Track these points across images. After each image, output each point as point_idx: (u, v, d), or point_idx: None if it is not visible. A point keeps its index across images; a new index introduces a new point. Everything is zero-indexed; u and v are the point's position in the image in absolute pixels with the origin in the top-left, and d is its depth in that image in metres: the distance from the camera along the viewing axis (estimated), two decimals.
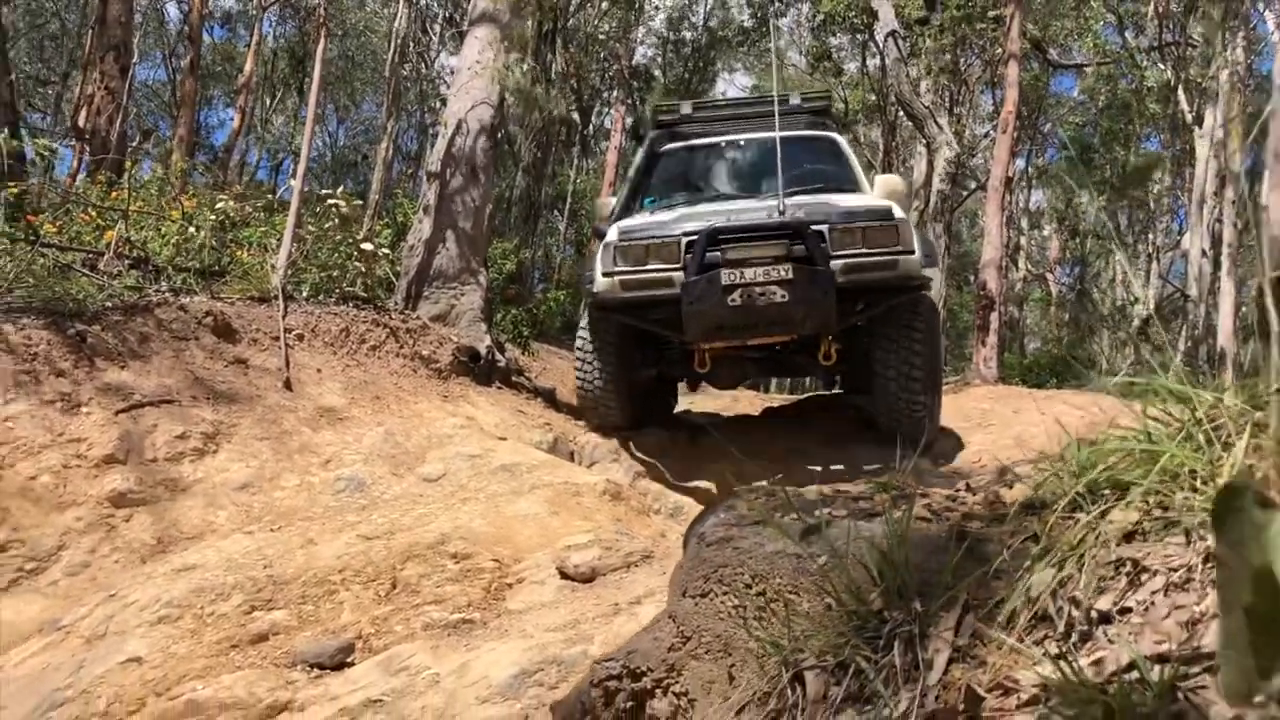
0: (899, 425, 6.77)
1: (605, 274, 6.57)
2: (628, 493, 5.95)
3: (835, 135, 8.66)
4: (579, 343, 7.32)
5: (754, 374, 8.09)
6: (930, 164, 18.44)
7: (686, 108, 9.21)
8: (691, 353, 7.16)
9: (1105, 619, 1.11)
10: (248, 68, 20.72)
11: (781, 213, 6.31)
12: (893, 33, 16.86)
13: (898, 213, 6.43)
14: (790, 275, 6.04)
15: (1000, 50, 17.87)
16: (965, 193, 25.46)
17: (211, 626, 4.05)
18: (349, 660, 3.70)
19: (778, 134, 7.07)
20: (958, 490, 1.68)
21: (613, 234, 6.74)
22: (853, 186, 7.78)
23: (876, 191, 7.37)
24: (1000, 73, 17.81)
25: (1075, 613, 1.14)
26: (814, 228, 6.26)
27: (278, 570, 4.49)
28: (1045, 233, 31.88)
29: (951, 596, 1.23)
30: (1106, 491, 1.31)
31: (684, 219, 6.67)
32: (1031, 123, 24.60)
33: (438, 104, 27.94)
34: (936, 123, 16.61)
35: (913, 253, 6.31)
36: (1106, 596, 1.14)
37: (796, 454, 7.30)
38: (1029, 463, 5.65)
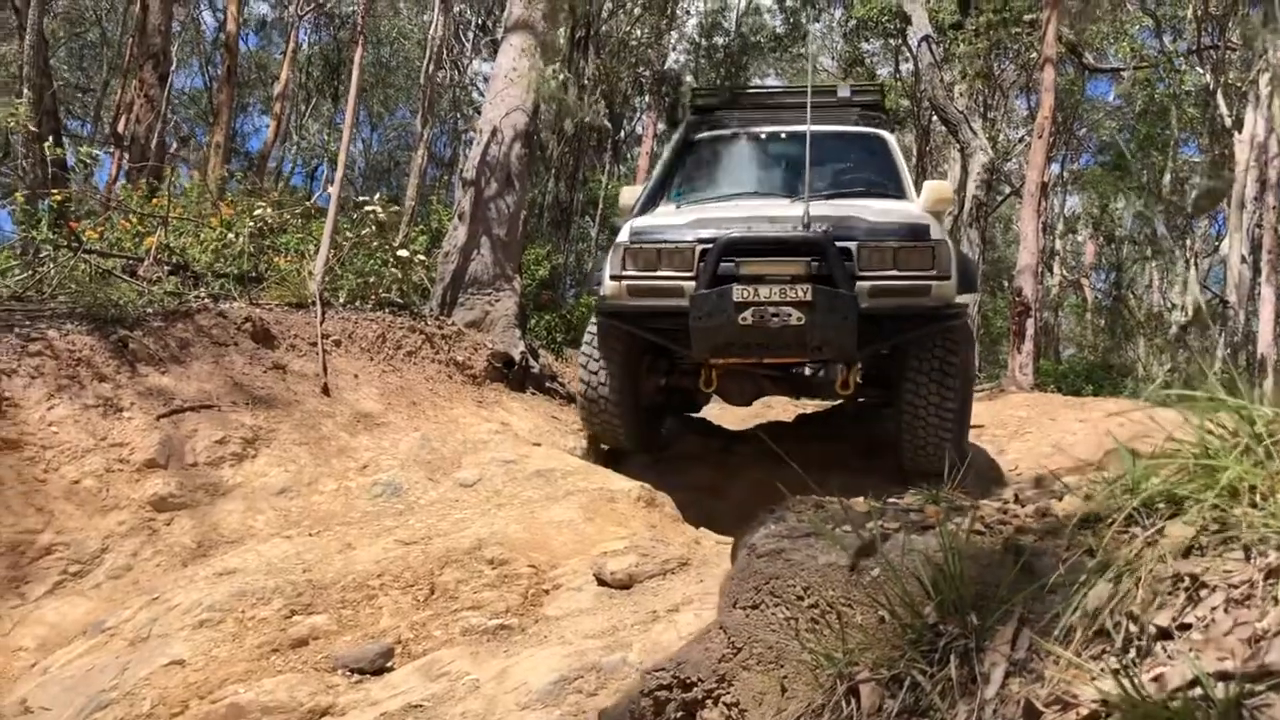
0: (923, 464, 6.25)
1: (614, 277, 6.13)
2: (662, 499, 5.95)
3: (884, 134, 7.87)
4: (584, 349, 6.74)
5: (769, 392, 7.45)
6: (964, 169, 18.31)
7: (727, 94, 8.52)
8: (700, 367, 6.62)
9: (1165, 635, 1.10)
10: (283, 76, 20.93)
11: (806, 225, 5.79)
12: (926, 37, 16.77)
13: (935, 232, 5.93)
14: (808, 297, 5.57)
15: (1035, 54, 17.75)
16: (1000, 198, 25.29)
17: (252, 630, 4.10)
18: (389, 665, 3.73)
19: (808, 128, 6.40)
20: (1007, 502, 1.67)
21: (624, 233, 6.30)
22: (897, 192, 7.13)
23: (923, 199, 6.77)
24: (1035, 77, 17.69)
25: (1133, 628, 1.13)
26: (839, 244, 5.76)
27: (317, 575, 4.53)
28: (1080, 238, 31.62)
29: (1007, 610, 1.23)
30: (1161, 506, 1.31)
31: (702, 223, 6.14)
32: (1067, 128, 24.41)
33: (470, 110, 28.11)
34: (971, 127, 16.49)
35: (948, 278, 5.79)
36: (1165, 612, 1.13)
37: (834, 463, 7.12)
38: (1071, 471, 5.59)
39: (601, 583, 4.20)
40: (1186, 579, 1.16)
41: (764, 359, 6.21)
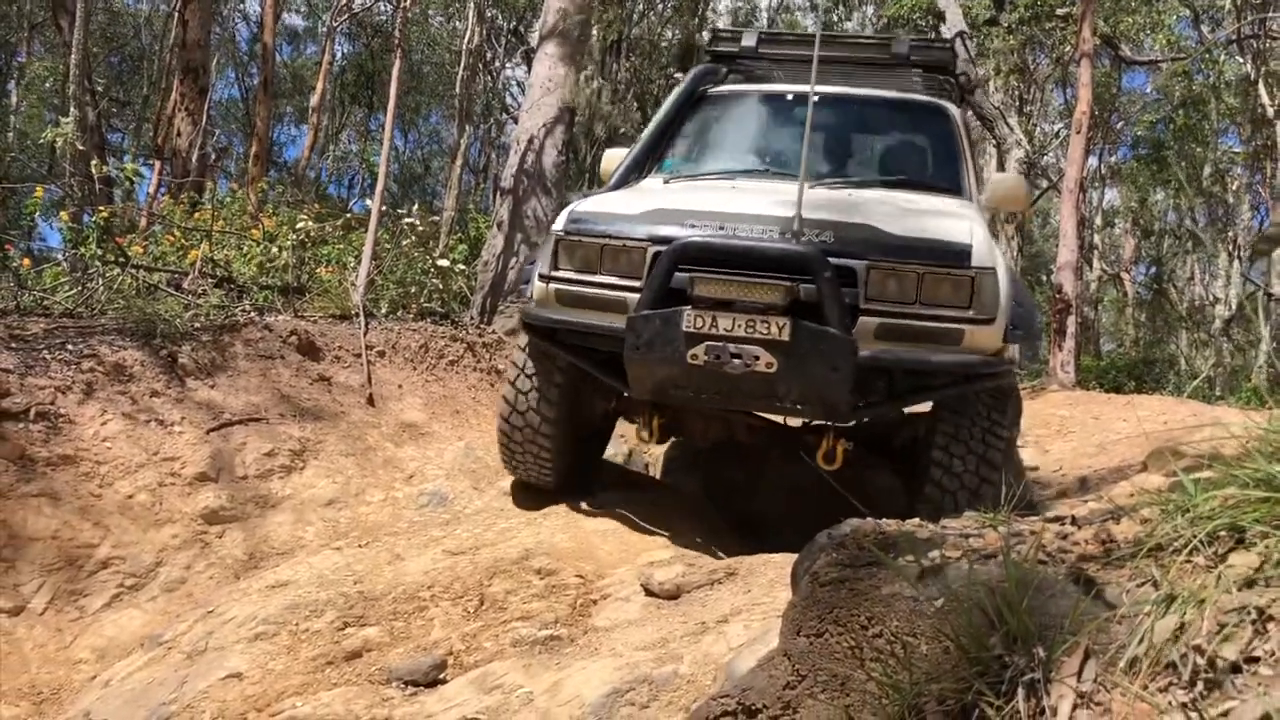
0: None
1: (543, 277, 4.74)
2: (704, 507, 5.98)
3: (947, 106, 5.99)
4: (511, 366, 5.23)
5: (742, 438, 5.73)
6: (1001, 164, 18.20)
7: (751, 39, 6.38)
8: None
9: (1233, 668, 1.12)
10: (319, 87, 21.16)
11: (796, 232, 4.27)
12: (960, 33, 16.66)
13: (981, 254, 4.28)
14: (784, 335, 4.16)
15: (1070, 48, 17.61)
16: (1037, 192, 25.08)
17: (307, 643, 4.16)
18: (442, 677, 3.77)
19: (810, 89, 4.77)
20: (1065, 523, 1.69)
21: (562, 218, 4.84)
22: (951, 185, 5.44)
23: (987, 196, 5.35)
24: (1071, 71, 17.54)
25: (1200, 661, 1.15)
26: (838, 262, 4.22)
27: (368, 586, 4.59)
28: (1118, 231, 31.31)
29: (1073, 642, 1.24)
30: (1224, 534, 1.32)
31: (665, 214, 4.63)
32: (1104, 121, 24.17)
33: (504, 116, 28.26)
34: (1007, 123, 16.41)
35: (991, 320, 4.24)
36: (1232, 645, 1.14)
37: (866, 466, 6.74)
38: (1116, 473, 5.54)
39: (649, 593, 4.22)
40: (1253, 611, 1.17)
41: (725, 408, 4.99)
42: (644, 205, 4.79)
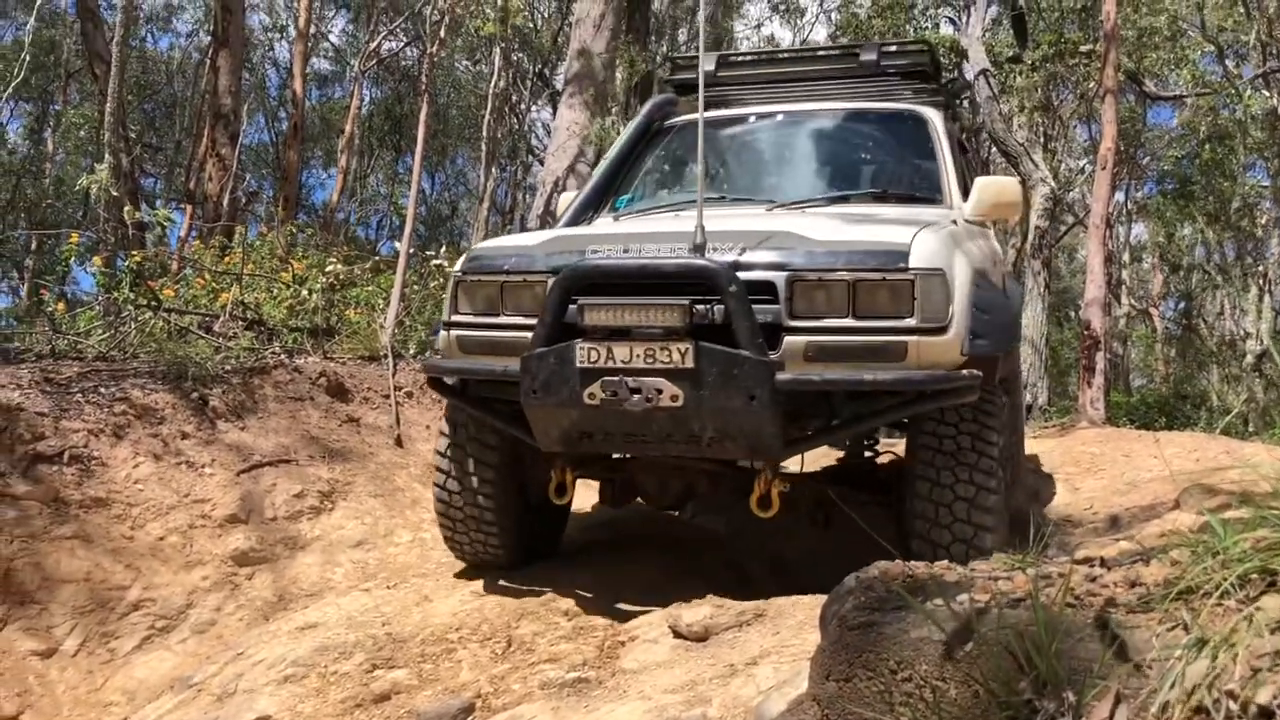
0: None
1: (446, 324, 4.35)
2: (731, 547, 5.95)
3: (924, 111, 5.53)
4: (440, 434, 4.78)
5: (704, 491, 5.10)
6: (1026, 201, 18.20)
7: (710, 63, 5.83)
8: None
9: (1266, 714, 1.11)
10: (348, 131, 21.48)
11: (698, 245, 3.78)
12: (984, 71, 16.74)
13: (923, 257, 3.75)
14: (687, 361, 3.65)
15: (1094, 84, 17.63)
16: (1064, 228, 25.02)
17: (335, 685, 4.17)
18: None
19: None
20: (1095, 566, 1.68)
21: (461, 259, 4.49)
22: (931, 193, 5.04)
23: (972, 204, 4.81)
24: (1096, 107, 17.56)
25: (1233, 706, 1.14)
26: (752, 276, 3.76)
27: (396, 628, 4.60)
28: (1146, 266, 31.15)
29: (1104, 687, 1.24)
30: (1255, 577, 1.32)
31: (569, 242, 4.26)
32: (1130, 156, 24.13)
33: (530, 158, 28.53)
34: (1032, 159, 16.39)
35: (942, 329, 3.70)
36: (1266, 690, 1.14)
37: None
38: (1147, 511, 5.47)
39: (677, 634, 4.20)
40: None
41: (646, 455, 4.42)
42: (547, 237, 4.44)
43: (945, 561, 1.86)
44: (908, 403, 3.86)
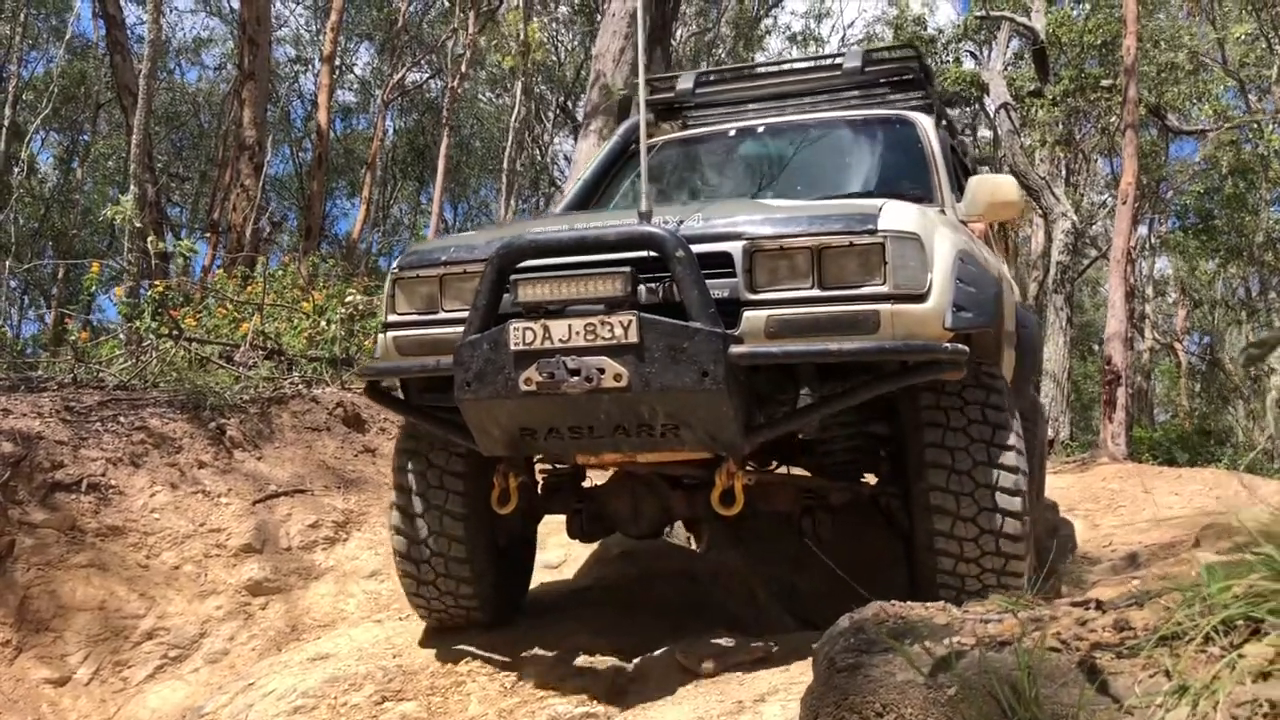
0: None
1: (383, 326, 4.03)
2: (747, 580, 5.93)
3: (911, 116, 5.30)
4: (394, 469, 4.37)
5: (680, 514, 4.65)
6: (1048, 235, 18.18)
7: (688, 81, 5.79)
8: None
9: None
10: (371, 162, 21.70)
11: (644, 213, 3.49)
12: (1005, 105, 16.80)
13: (894, 221, 3.42)
14: (631, 336, 3.29)
15: (1115, 118, 17.62)
16: (1086, 261, 24.95)
17: (345, 717, 4.17)
18: None
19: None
20: (1087, 609, 1.68)
21: (399, 258, 4.13)
22: (921, 193, 4.60)
23: (966, 203, 4.50)
24: (1118, 141, 17.54)
25: None
26: (706, 248, 3.43)
27: (406, 660, 4.60)
28: (1170, 300, 30.98)
29: None
30: (1240, 623, 1.31)
31: (512, 230, 3.91)
32: (1152, 190, 24.07)
33: (552, 189, 28.71)
34: (1053, 193, 16.41)
35: (920, 297, 3.34)
36: None
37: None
38: (1165, 549, 5.42)
39: (686, 671, 4.19)
40: (1265, 704, 1.16)
41: (595, 454, 3.88)
42: (493, 231, 4.11)
43: (940, 603, 1.86)
44: (884, 378, 3.47)
